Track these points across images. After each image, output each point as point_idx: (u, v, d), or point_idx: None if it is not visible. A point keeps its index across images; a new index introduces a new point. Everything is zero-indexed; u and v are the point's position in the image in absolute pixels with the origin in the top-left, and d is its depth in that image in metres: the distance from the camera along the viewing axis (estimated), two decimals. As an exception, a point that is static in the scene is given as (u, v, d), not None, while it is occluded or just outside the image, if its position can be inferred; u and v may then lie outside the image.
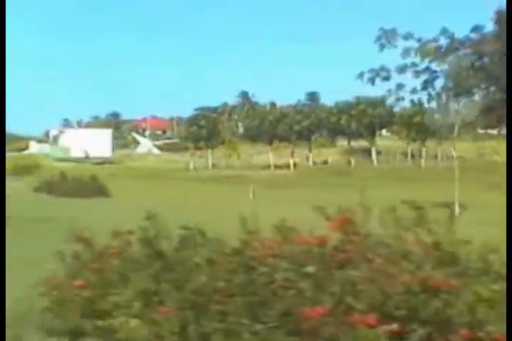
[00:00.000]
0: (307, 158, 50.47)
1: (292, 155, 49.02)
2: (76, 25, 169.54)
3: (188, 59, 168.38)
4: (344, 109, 46.05)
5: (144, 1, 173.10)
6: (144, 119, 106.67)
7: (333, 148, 57.68)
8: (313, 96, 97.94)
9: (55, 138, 64.65)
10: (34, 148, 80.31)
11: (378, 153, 56.50)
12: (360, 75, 22.69)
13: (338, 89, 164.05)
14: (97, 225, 4.98)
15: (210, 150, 54.67)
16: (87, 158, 56.35)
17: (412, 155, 55.26)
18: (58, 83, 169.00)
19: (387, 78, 22.63)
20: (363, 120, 44.86)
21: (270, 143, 50.33)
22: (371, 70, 22.44)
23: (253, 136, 50.62)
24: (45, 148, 79.38)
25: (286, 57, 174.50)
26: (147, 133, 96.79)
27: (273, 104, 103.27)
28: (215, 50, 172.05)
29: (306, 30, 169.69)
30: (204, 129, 53.14)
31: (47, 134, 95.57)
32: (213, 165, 55.12)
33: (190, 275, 3.97)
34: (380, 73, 22.44)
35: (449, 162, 48.75)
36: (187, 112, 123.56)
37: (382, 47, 22.08)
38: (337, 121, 45.81)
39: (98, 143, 60.79)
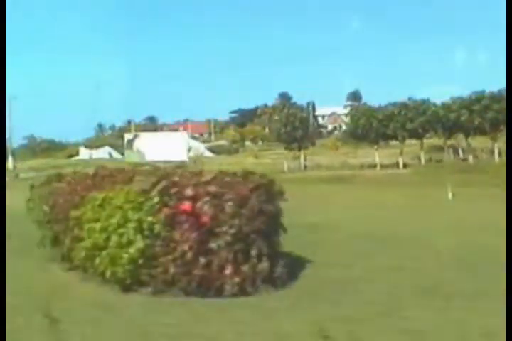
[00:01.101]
0: (418, 157, 48.84)
1: (401, 153, 47.35)
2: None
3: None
4: (465, 104, 44.42)
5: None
6: (179, 122, 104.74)
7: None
8: (356, 96, 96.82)
9: (130, 142, 62.32)
10: (84, 154, 78.39)
11: (463, 150, 55.15)
12: None
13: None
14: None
15: (302, 152, 52.92)
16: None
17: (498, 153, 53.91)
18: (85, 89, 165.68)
19: None
20: (485, 116, 43.30)
21: (376, 142, 48.64)
22: None
23: (358, 136, 48.87)
24: (94, 153, 77.87)
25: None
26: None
27: (312, 105, 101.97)
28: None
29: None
30: (299, 130, 51.32)
31: (93, 139, 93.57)
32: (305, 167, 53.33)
33: None
34: None
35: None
36: (221, 115, 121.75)
37: None
38: (457, 118, 44.17)
39: (174, 147, 58.62)
